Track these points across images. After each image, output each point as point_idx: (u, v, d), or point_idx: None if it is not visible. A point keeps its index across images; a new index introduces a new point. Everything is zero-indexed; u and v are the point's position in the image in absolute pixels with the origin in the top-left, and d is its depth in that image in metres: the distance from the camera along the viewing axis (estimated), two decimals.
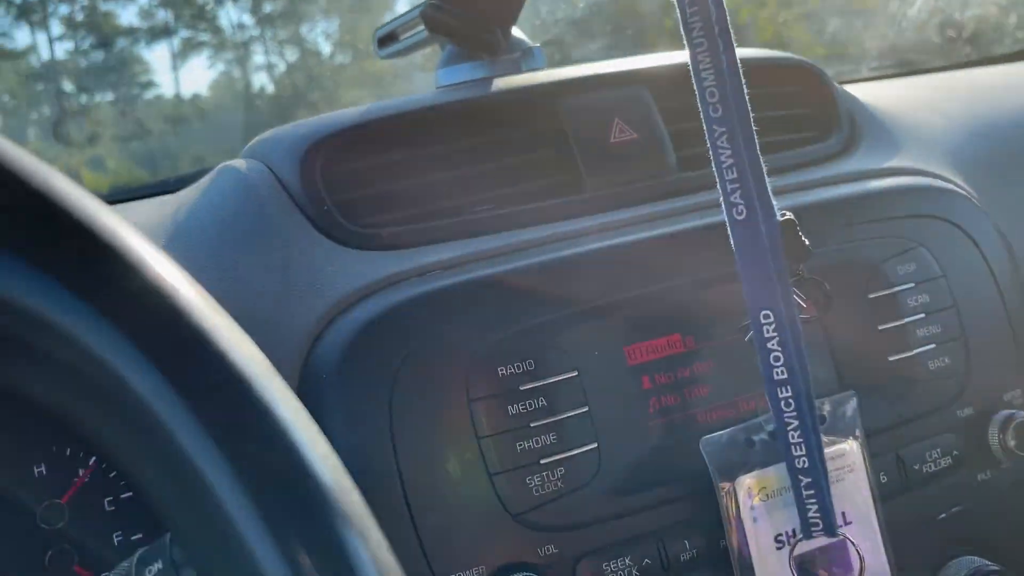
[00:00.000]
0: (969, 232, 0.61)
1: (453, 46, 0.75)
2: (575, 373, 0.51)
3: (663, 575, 0.50)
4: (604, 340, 0.52)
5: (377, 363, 0.49)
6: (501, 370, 0.49)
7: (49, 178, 0.24)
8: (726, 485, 0.50)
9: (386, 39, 0.83)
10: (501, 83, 0.64)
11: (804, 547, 0.50)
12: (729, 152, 0.48)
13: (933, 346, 0.58)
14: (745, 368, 0.55)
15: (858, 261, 0.58)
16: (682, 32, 0.48)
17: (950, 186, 0.63)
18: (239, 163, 0.65)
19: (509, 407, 0.49)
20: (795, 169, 0.65)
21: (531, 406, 0.49)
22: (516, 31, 0.74)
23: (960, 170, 0.67)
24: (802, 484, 0.49)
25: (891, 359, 0.57)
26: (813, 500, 0.49)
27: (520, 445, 0.49)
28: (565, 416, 0.50)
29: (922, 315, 0.58)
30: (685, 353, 0.54)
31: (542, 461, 0.49)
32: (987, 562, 0.54)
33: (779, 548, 0.51)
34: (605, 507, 0.50)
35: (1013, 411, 0.57)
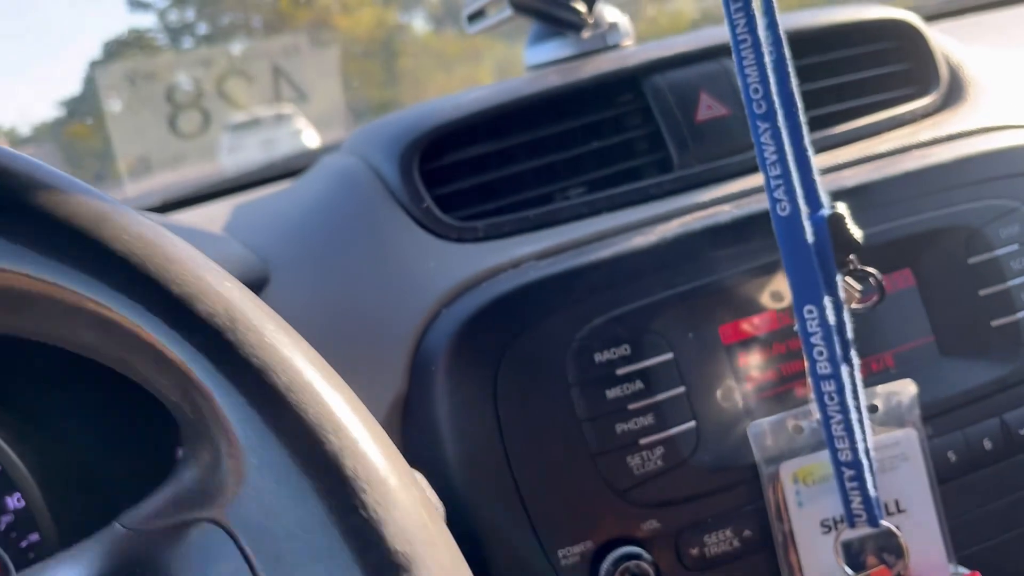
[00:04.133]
0: None
1: (539, 23, 0.76)
2: (671, 355, 0.53)
3: (764, 547, 0.52)
4: (698, 321, 0.54)
5: (481, 354, 0.52)
6: (598, 356, 0.52)
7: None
8: (771, 470, 0.52)
9: (475, 16, 0.85)
10: (584, 66, 0.64)
11: (852, 533, 0.51)
12: (773, 148, 0.48)
13: None
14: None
15: (957, 226, 0.57)
16: (728, 28, 0.49)
17: None
18: (340, 159, 0.69)
19: (607, 391, 0.51)
20: (893, 129, 0.64)
21: (628, 389, 0.52)
22: (600, 5, 0.74)
23: None
24: (845, 476, 0.50)
25: (993, 324, 0.56)
26: (856, 491, 0.50)
27: (620, 427, 0.51)
28: (662, 398, 0.52)
29: None
30: (780, 330, 0.55)
31: (641, 441, 0.51)
32: None
33: (825, 533, 0.52)
34: (705, 483, 0.52)
35: None
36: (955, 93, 0.67)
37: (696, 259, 0.54)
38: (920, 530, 0.52)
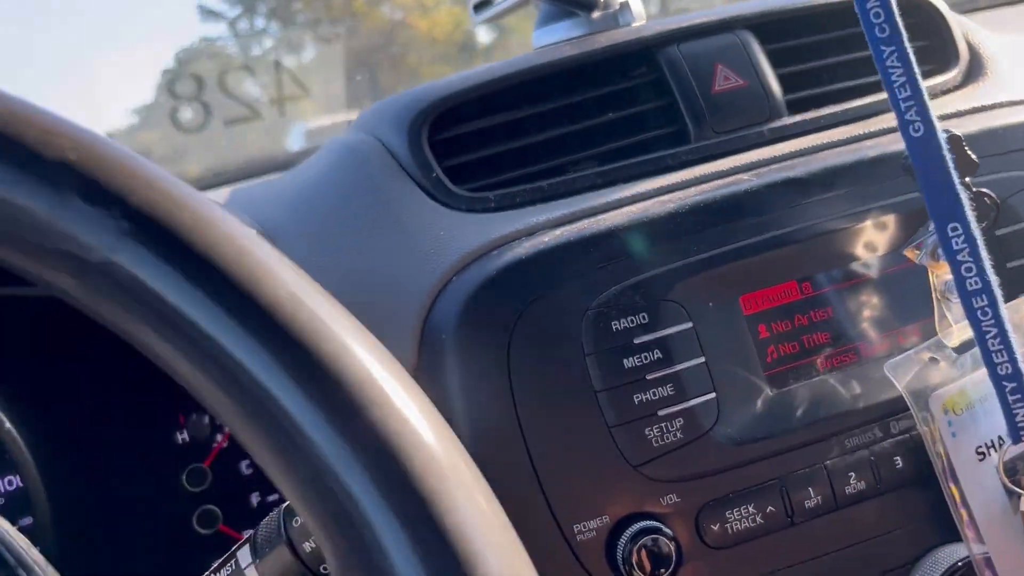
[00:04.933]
0: None
1: (548, 5, 0.75)
2: (689, 325, 0.51)
3: (787, 523, 0.50)
4: (718, 291, 0.52)
5: (493, 322, 0.50)
6: (615, 324, 0.50)
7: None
8: (921, 404, 0.50)
9: (481, 4, 0.84)
10: (597, 39, 0.63)
11: (1013, 451, 0.50)
12: (900, 71, 0.47)
13: None
14: (866, 312, 0.54)
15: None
16: None
17: None
18: (348, 137, 0.67)
19: (624, 360, 0.50)
20: None
21: (646, 359, 0.50)
22: None
23: None
24: (1007, 389, 0.48)
25: None
26: (1020, 404, 0.48)
27: (637, 397, 0.49)
28: (681, 368, 0.50)
29: None
30: (802, 300, 0.53)
31: (660, 412, 0.49)
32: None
33: (980, 460, 0.50)
34: (726, 457, 0.50)
35: None
36: (975, 70, 0.66)
37: (715, 227, 0.53)
38: None
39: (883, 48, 0.46)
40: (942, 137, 0.46)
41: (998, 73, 0.65)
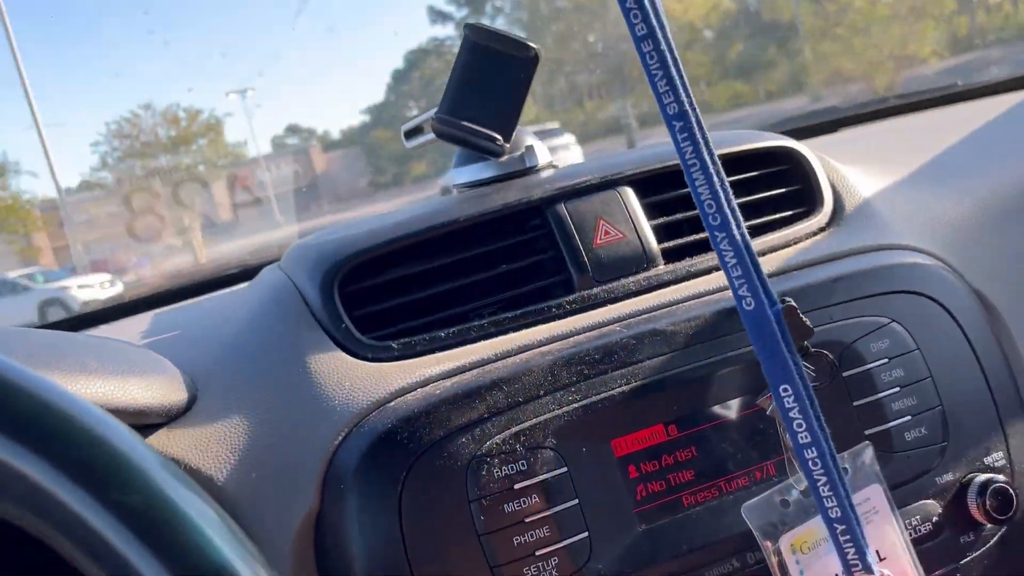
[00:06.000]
0: (944, 303, 0.65)
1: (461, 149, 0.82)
2: (565, 469, 0.57)
3: None
4: (591, 435, 0.58)
5: (388, 472, 0.55)
6: (496, 471, 0.56)
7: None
8: (769, 545, 0.56)
9: (412, 132, 0.92)
10: (497, 194, 0.70)
11: None
12: (732, 253, 0.53)
13: (909, 418, 0.61)
14: (725, 451, 0.60)
15: (832, 340, 0.62)
16: (678, 154, 0.53)
17: (926, 260, 0.67)
18: (275, 278, 0.73)
19: (505, 505, 0.55)
20: (781, 248, 0.70)
21: (525, 503, 0.55)
22: (519, 130, 0.81)
23: (938, 237, 0.71)
24: (838, 531, 0.53)
25: (867, 432, 0.61)
26: (849, 543, 0.53)
27: (517, 539, 0.55)
28: (557, 509, 0.56)
29: (896, 389, 0.61)
30: (668, 442, 0.59)
31: (538, 553, 0.55)
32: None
33: None
34: None
35: (991, 475, 0.60)
36: (838, 213, 0.73)
37: (588, 377, 0.59)
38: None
39: (716, 233, 0.53)
40: (774, 310, 0.53)
41: (858, 215, 0.72)
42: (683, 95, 0.53)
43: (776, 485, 0.58)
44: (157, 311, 1.00)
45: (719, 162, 0.54)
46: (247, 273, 1.03)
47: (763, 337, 0.53)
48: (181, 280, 1.09)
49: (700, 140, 0.53)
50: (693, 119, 0.53)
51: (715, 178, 0.53)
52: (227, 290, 1.04)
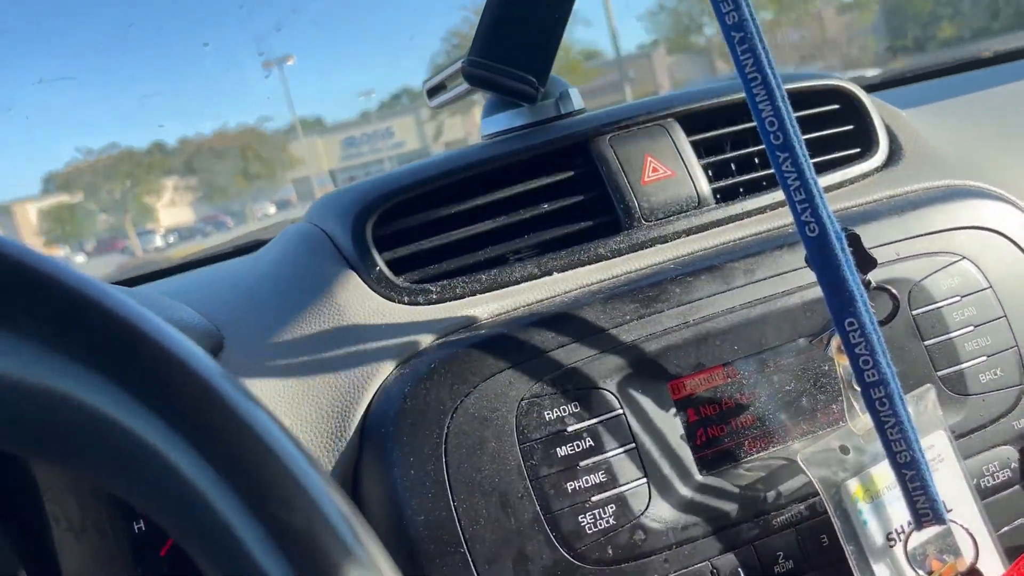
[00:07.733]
0: (1017, 241, 0.61)
1: (493, 96, 0.79)
2: (620, 412, 0.53)
3: None
4: (648, 377, 0.54)
5: (431, 415, 0.52)
6: (548, 414, 0.52)
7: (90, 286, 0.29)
8: (829, 494, 0.52)
9: (435, 90, 0.88)
10: (535, 134, 0.66)
11: (917, 538, 0.52)
12: (795, 175, 0.50)
13: (983, 359, 0.57)
14: (786, 394, 0.56)
15: (899, 278, 0.58)
16: (736, 69, 0.50)
17: (993, 198, 0.63)
18: (301, 228, 0.70)
19: (558, 449, 0.51)
20: (835, 189, 0.66)
21: (579, 447, 0.52)
22: (552, 76, 0.77)
23: (1007, 179, 0.67)
24: (907, 477, 0.50)
25: (939, 374, 0.57)
26: (920, 491, 0.50)
27: (571, 485, 0.51)
28: (613, 454, 0.52)
29: (969, 328, 0.58)
30: (728, 384, 0.55)
31: (592, 499, 0.51)
32: None
33: (891, 546, 0.52)
34: (659, 539, 0.52)
35: None
36: (894, 155, 0.69)
37: (643, 316, 0.55)
38: (969, 526, 0.53)
39: (778, 154, 0.49)
40: (838, 237, 0.49)
41: (917, 156, 0.69)
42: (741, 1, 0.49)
43: (835, 431, 0.55)
44: (170, 278, 0.97)
45: (779, 76, 0.50)
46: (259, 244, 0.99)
47: (827, 266, 0.49)
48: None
49: (761, 53, 0.50)
50: (753, 30, 0.50)
51: (777, 92, 0.50)
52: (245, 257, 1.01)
